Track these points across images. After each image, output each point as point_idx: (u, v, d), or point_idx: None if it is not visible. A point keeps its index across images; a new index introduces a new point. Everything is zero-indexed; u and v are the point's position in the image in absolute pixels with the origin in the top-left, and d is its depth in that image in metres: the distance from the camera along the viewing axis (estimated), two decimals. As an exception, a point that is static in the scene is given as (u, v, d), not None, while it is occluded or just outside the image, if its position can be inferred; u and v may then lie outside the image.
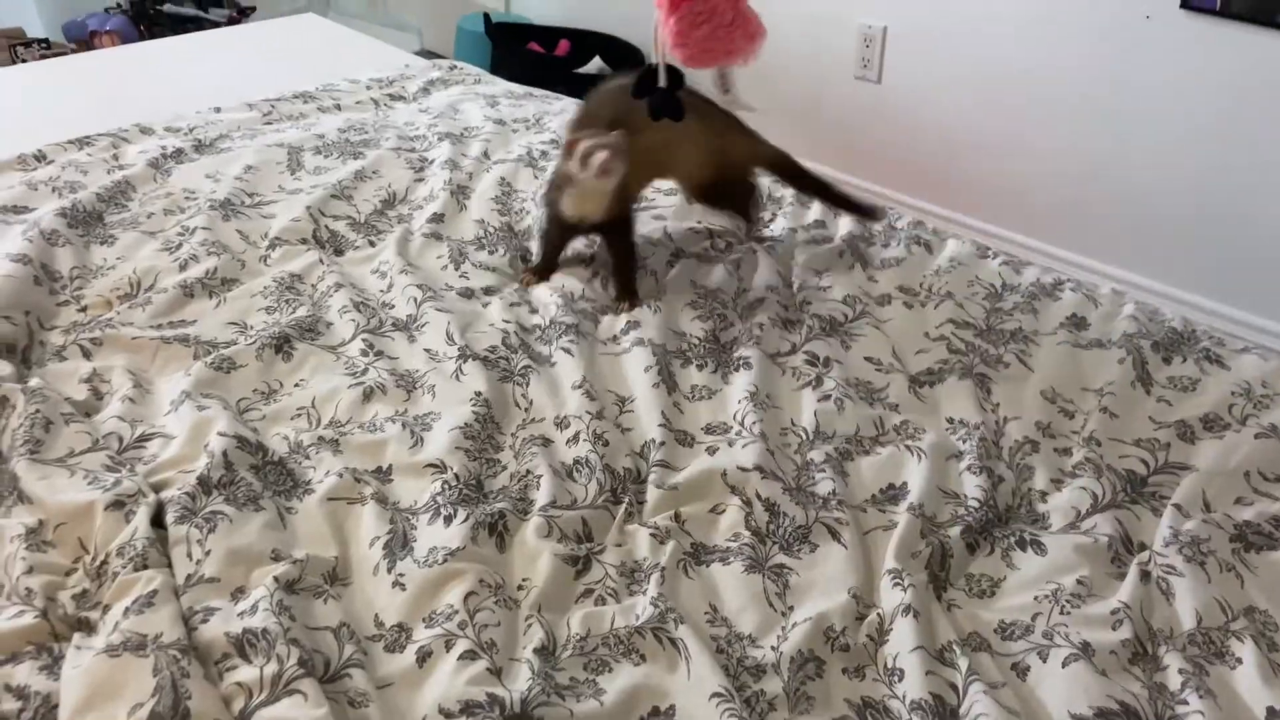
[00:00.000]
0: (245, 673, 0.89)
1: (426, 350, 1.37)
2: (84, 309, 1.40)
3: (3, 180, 1.69)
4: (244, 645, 0.91)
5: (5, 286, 1.35)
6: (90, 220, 1.57)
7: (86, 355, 1.32)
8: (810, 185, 1.70)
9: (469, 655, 0.95)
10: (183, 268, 1.49)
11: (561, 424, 1.25)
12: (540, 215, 1.62)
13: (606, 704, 0.92)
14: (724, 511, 1.14)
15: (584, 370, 1.33)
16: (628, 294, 1.49)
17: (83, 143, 1.83)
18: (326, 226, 1.64)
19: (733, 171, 1.61)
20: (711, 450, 1.24)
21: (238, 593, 0.98)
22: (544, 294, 1.50)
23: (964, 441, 1.25)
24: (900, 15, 2.94)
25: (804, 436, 1.27)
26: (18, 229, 1.51)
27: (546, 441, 1.23)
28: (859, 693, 0.96)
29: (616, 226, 1.50)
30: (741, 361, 1.38)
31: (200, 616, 0.94)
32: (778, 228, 1.72)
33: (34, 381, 1.21)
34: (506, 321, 1.43)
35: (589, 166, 1.36)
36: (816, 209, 1.78)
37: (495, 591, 1.02)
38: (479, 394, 1.26)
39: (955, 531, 1.12)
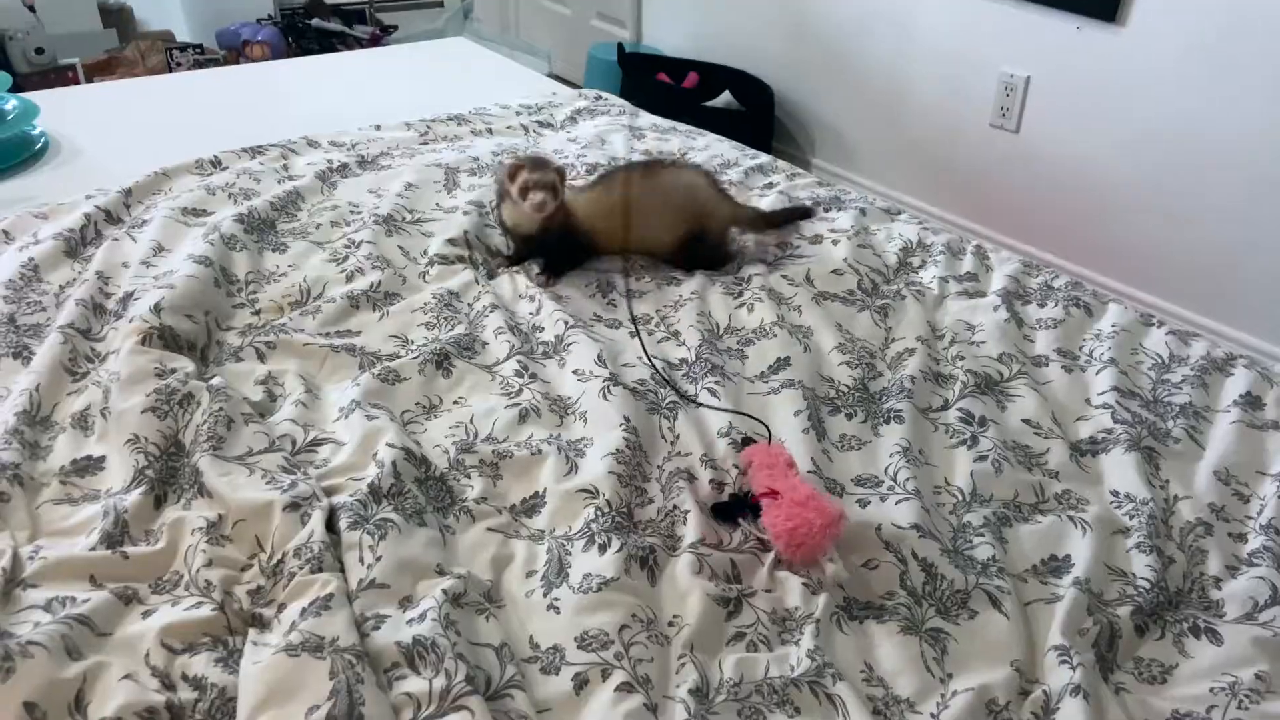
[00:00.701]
0: (414, 684, 0.91)
1: (574, 372, 1.38)
2: (258, 312, 1.46)
3: (181, 183, 1.78)
4: (413, 656, 0.93)
5: (189, 287, 1.42)
6: (264, 227, 1.64)
7: (261, 358, 1.37)
8: (777, 222, 1.81)
9: (625, 687, 0.95)
10: (349, 279, 1.54)
11: (707, 463, 1.25)
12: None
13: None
14: (877, 567, 1.12)
15: (729, 416, 1.32)
16: (552, 273, 1.63)
17: (254, 151, 1.92)
18: (480, 247, 1.68)
19: (710, 236, 1.69)
20: (863, 503, 1.22)
21: (405, 601, 1.00)
22: (689, 329, 1.51)
23: (1131, 517, 1.20)
24: (1045, 65, 2.88)
25: (960, 497, 1.24)
26: (198, 230, 1.58)
27: (691, 477, 1.23)
28: (1026, 771, 0.93)
29: (550, 237, 1.62)
30: (892, 414, 1.36)
31: (372, 623, 0.96)
32: (927, 276, 1.70)
33: (216, 380, 1.26)
34: (655, 356, 1.44)
35: (527, 200, 1.53)
36: (969, 260, 1.75)
37: (648, 626, 1.02)
38: (628, 419, 1.27)
39: (1124, 611, 1.08)
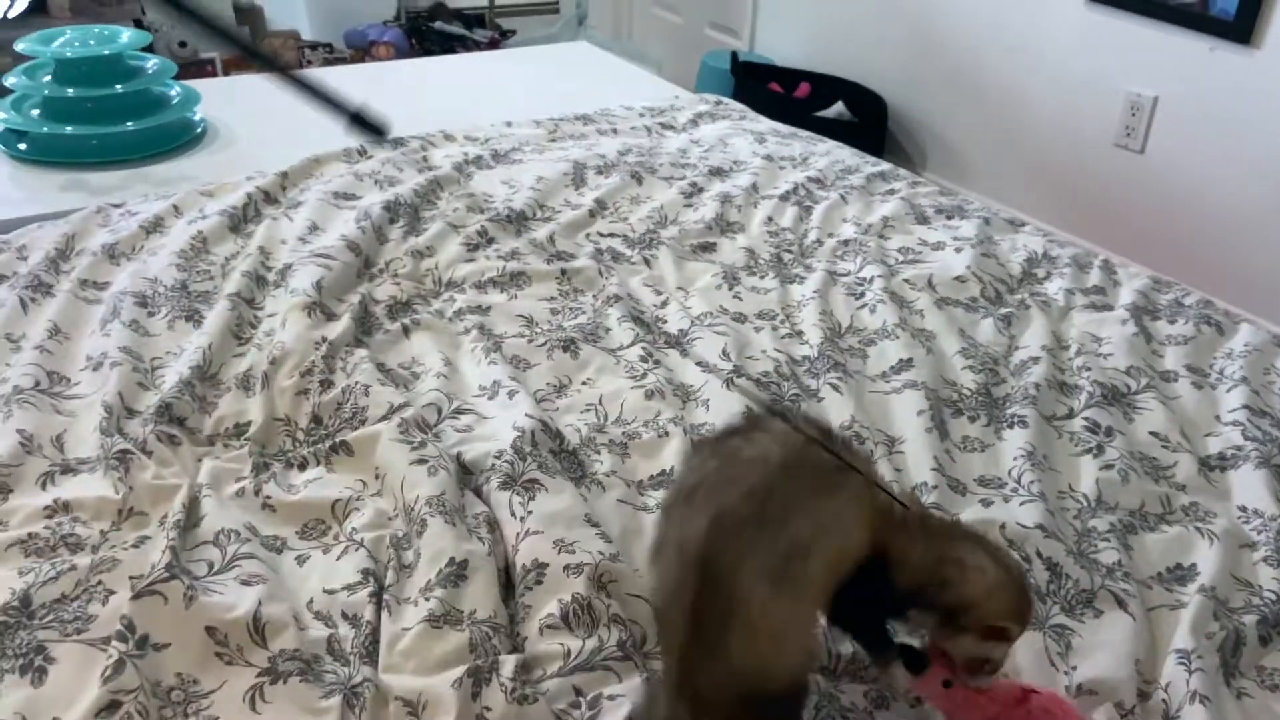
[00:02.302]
0: (567, 639, 0.97)
1: (699, 364, 1.43)
2: (401, 290, 1.54)
3: (331, 169, 1.89)
4: (569, 614, 0.99)
5: (342, 272, 1.52)
6: (408, 213, 1.73)
7: (406, 333, 1.46)
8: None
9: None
10: (480, 265, 1.62)
11: (832, 456, 1.28)
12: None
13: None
14: (1000, 564, 1.13)
15: (853, 410, 1.35)
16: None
17: (396, 143, 2.02)
18: (605, 241, 1.75)
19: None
20: (986, 503, 1.23)
21: (559, 544, 1.05)
22: (811, 327, 1.54)
23: (1259, 533, 1.19)
24: (1173, 86, 2.83)
25: (1084, 503, 1.24)
26: (349, 214, 1.68)
27: None
28: (1151, 768, 0.94)
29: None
30: (1016, 419, 1.37)
31: (534, 575, 1.03)
32: (1053, 288, 1.69)
33: (362, 353, 1.35)
34: (778, 350, 1.48)
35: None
36: (1095, 274, 1.74)
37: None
38: (750, 409, 1.31)
39: (1250, 620, 1.07)
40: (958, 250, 1.78)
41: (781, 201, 1.93)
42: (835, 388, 1.40)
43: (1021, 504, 1.21)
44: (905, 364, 1.46)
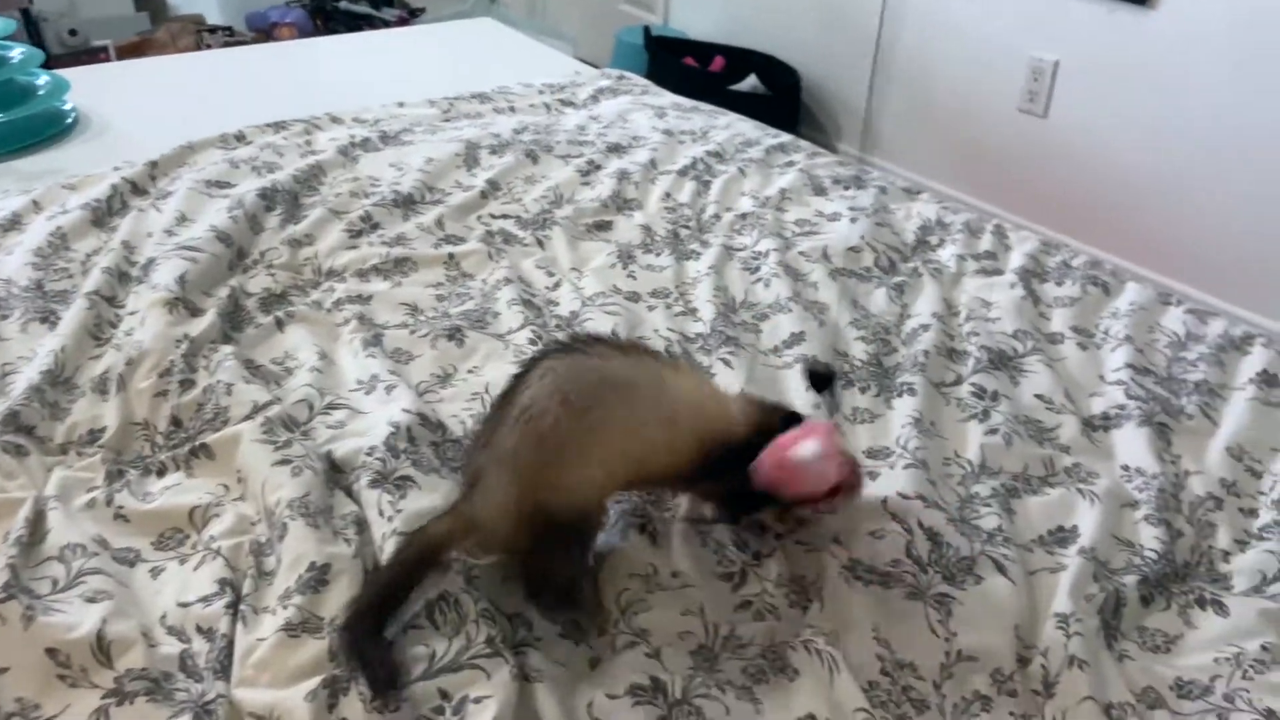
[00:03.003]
0: (432, 641, 0.93)
1: (592, 347, 1.39)
2: (276, 281, 1.48)
3: (206, 157, 1.81)
4: (434, 610, 0.95)
5: (211, 265, 1.45)
6: (286, 200, 1.66)
7: (280, 326, 1.40)
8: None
9: (630, 645, 0.97)
10: (364, 252, 1.56)
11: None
12: None
13: (763, 712, 0.92)
14: (884, 537, 1.12)
15: (743, 382, 1.33)
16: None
17: (278, 126, 1.94)
18: (497, 223, 1.70)
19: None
20: (873, 475, 1.22)
21: None
22: (705, 304, 1.51)
23: (1141, 491, 1.20)
24: (1074, 49, 2.85)
25: (968, 469, 1.24)
26: (222, 203, 1.61)
27: None
28: (1026, 736, 0.93)
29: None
30: (905, 387, 1.36)
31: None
32: (945, 255, 1.69)
33: (228, 349, 1.29)
34: (670, 330, 1.45)
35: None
36: (987, 239, 1.74)
37: (646, 581, 1.04)
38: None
39: (1130, 580, 1.08)
40: (853, 220, 1.76)
41: (680, 177, 1.90)
42: (727, 362, 1.38)
43: (905, 468, 1.20)
44: (797, 337, 1.44)
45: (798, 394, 1.33)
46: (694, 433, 1.02)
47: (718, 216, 1.79)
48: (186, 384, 1.23)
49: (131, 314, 1.36)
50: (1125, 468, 1.25)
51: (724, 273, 1.61)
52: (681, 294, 1.56)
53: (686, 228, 1.75)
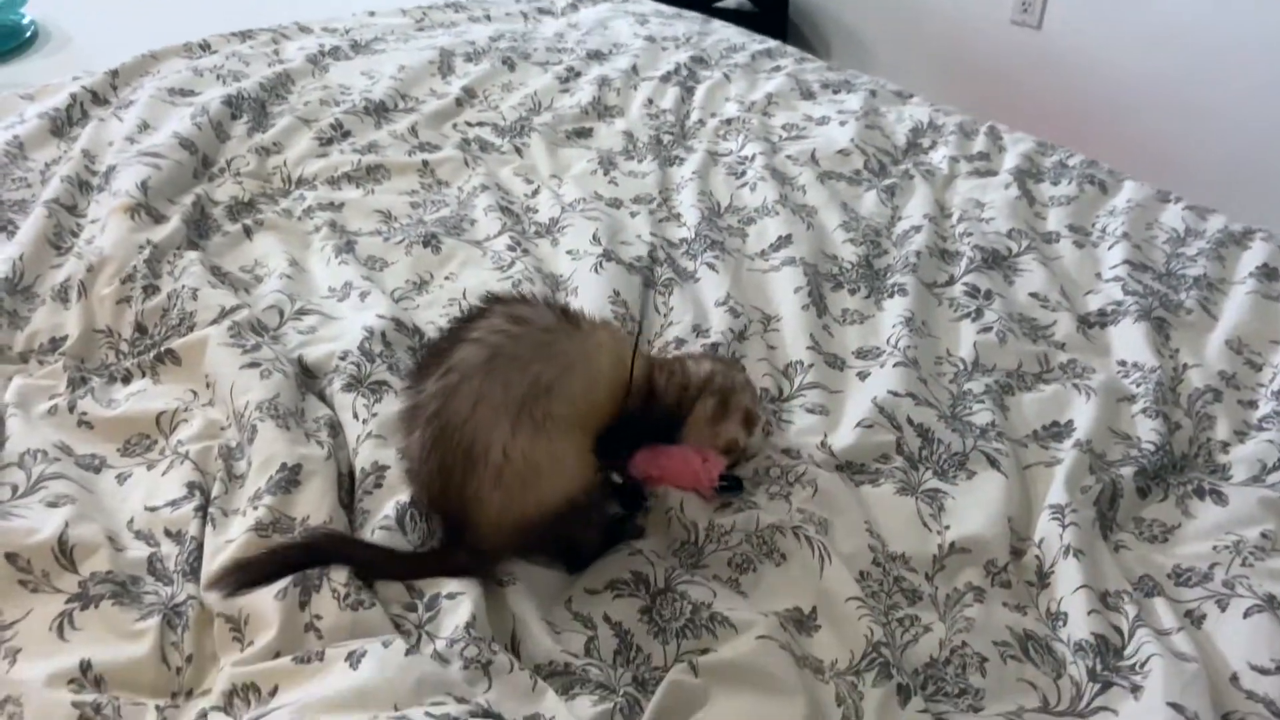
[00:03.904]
0: (398, 540, 0.90)
1: (569, 252, 1.35)
2: (244, 189, 1.42)
3: (169, 66, 1.73)
4: (404, 517, 0.92)
5: (174, 171, 1.39)
6: (253, 108, 1.60)
7: (248, 234, 1.34)
8: None
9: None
10: (334, 160, 1.51)
11: (701, 333, 1.22)
12: None
13: (750, 597, 0.90)
14: (875, 435, 1.09)
15: (728, 287, 1.29)
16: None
17: (244, 35, 1.87)
18: (473, 131, 1.64)
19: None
20: (863, 375, 1.19)
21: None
22: (690, 209, 1.46)
23: (1138, 385, 1.17)
24: (1072, -45, 2.76)
25: (961, 367, 1.21)
26: (185, 110, 1.54)
27: (681, 342, 1.20)
28: (1021, 625, 0.91)
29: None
30: (896, 288, 1.32)
31: (373, 479, 0.95)
32: (937, 156, 1.64)
33: (193, 255, 1.23)
34: (653, 235, 1.41)
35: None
36: (981, 140, 1.69)
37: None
38: (617, 293, 1.25)
39: (1127, 471, 1.05)
40: (842, 124, 1.71)
41: (662, 83, 1.83)
42: (712, 267, 1.33)
43: (895, 365, 1.17)
44: (784, 240, 1.39)
45: (785, 298, 1.29)
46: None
47: (702, 122, 1.73)
48: (150, 290, 1.18)
49: (94, 223, 1.30)
50: (1122, 363, 1.22)
51: (708, 178, 1.56)
52: (665, 199, 1.51)
53: (670, 134, 1.69)
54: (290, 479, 0.93)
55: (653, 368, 1.01)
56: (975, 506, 1.01)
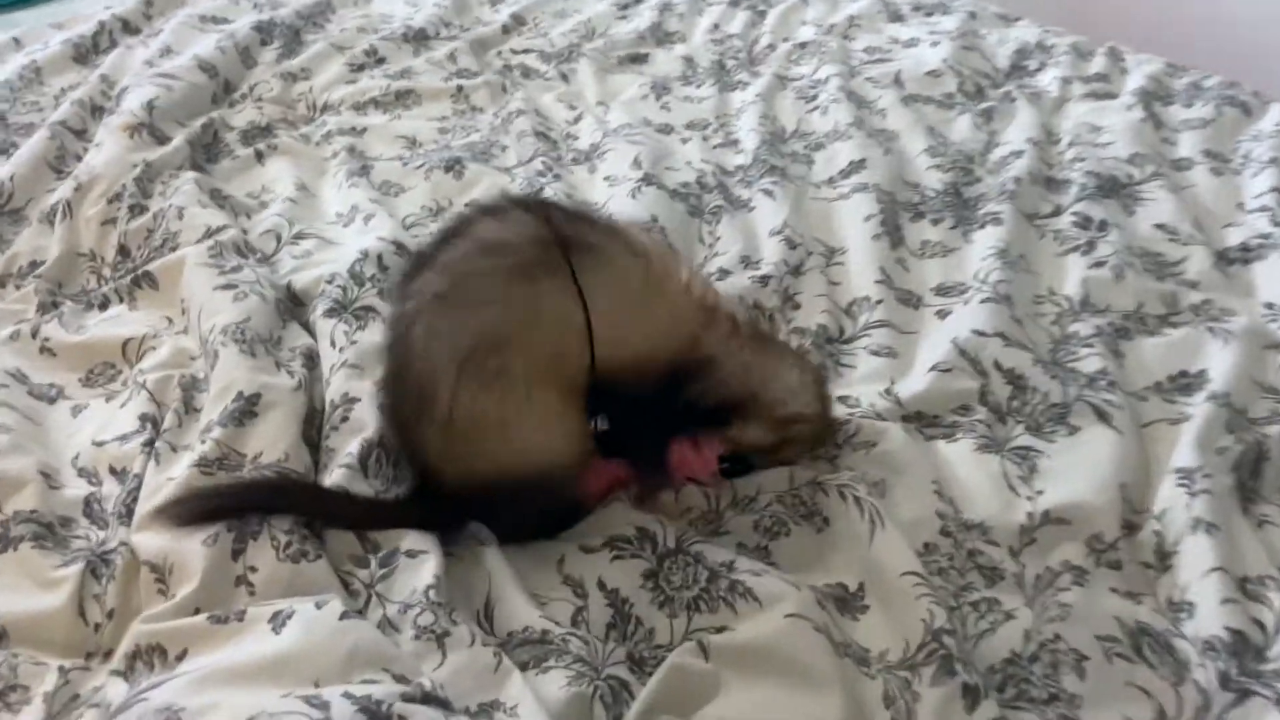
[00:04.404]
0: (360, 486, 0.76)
1: (606, 178, 1.19)
2: (263, 114, 1.31)
3: (209, -4, 1.64)
4: (367, 457, 0.78)
5: (188, 93, 1.28)
6: (285, 34, 1.49)
7: (259, 158, 1.23)
8: None
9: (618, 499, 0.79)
10: (363, 85, 1.38)
11: (750, 264, 1.05)
12: None
13: (781, 567, 0.73)
14: (953, 381, 0.90)
15: (786, 214, 1.11)
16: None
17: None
18: (517, 58, 1.50)
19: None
20: (942, 314, 1.00)
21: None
22: (749, 133, 1.29)
23: (1290, 330, 0.94)
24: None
25: (1066, 306, 1.00)
26: (214, 37, 1.44)
27: (726, 275, 1.04)
28: (1133, 616, 0.71)
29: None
30: (989, 218, 1.12)
31: (341, 413, 0.82)
32: (1046, 79, 1.41)
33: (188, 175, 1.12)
34: (705, 161, 1.23)
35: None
36: (1099, 61, 1.45)
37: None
38: (655, 219, 1.08)
39: (1275, 431, 0.83)
40: (934, 45, 1.50)
41: (731, 7, 1.65)
42: (769, 194, 1.16)
43: (981, 302, 0.97)
44: (856, 165, 1.20)
45: (853, 227, 1.11)
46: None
47: (772, 46, 1.54)
48: (137, 210, 1.07)
49: (97, 145, 1.20)
50: (1269, 305, 0.99)
51: (773, 101, 1.38)
52: (722, 125, 1.34)
53: (735, 59, 1.51)
54: (246, 410, 0.80)
55: (696, 339, 0.78)
56: (1078, 468, 0.81)
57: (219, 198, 1.13)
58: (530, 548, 0.76)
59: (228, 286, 0.93)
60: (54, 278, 1.03)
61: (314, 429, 0.83)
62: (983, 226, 1.11)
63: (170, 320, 0.96)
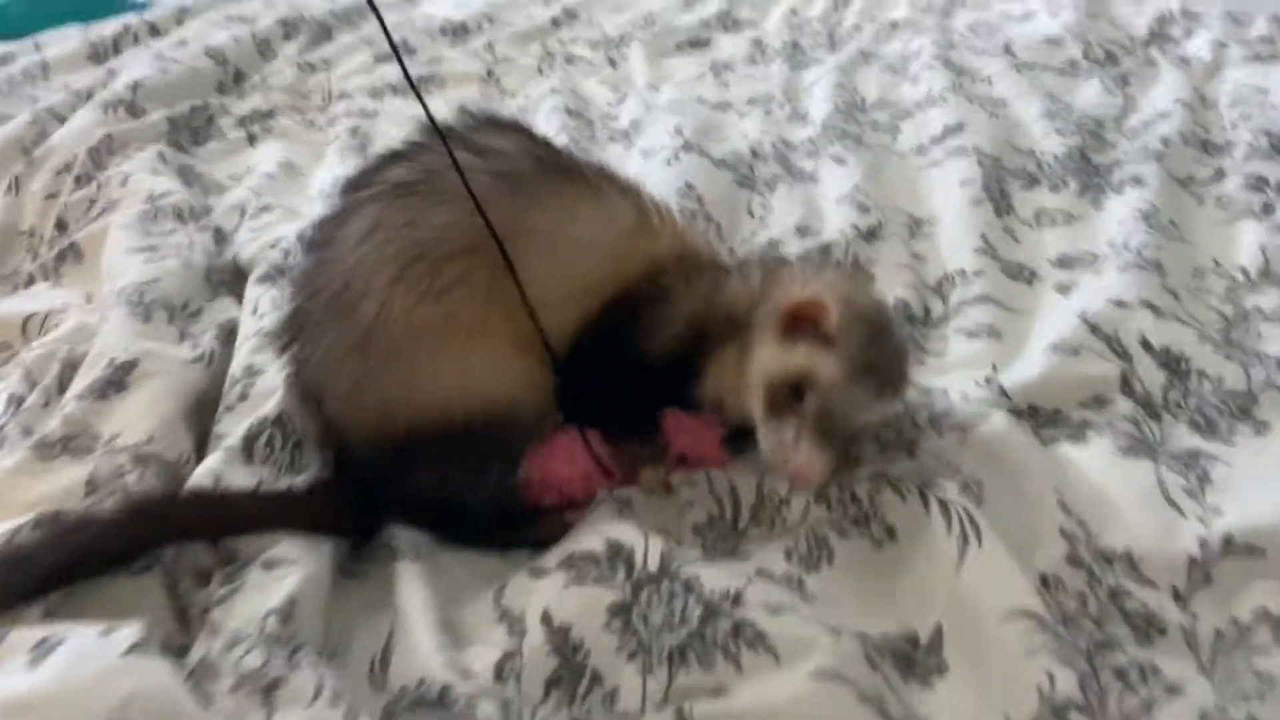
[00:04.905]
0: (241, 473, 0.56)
1: (643, 151, 0.99)
2: (268, 100, 1.17)
3: (251, 7, 1.53)
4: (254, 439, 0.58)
5: (184, 75, 1.15)
6: (311, 30, 1.36)
7: (251, 141, 1.08)
8: None
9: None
10: (383, 71, 1.24)
11: (808, 233, 0.83)
12: None
13: (818, 601, 0.48)
14: (1080, 365, 0.65)
15: (858, 179, 0.89)
16: None
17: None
18: (562, 47, 1.33)
19: None
20: (1064, 288, 0.75)
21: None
22: (820, 104, 1.07)
23: None
24: None
25: (1241, 278, 0.73)
26: (238, 29, 1.32)
27: (776, 245, 0.84)
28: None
29: None
30: (1128, 180, 0.87)
31: (241, 389, 0.62)
32: (1195, 44, 1.16)
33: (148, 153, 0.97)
34: (764, 133, 1.02)
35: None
36: (1261, 25, 1.19)
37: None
38: (690, 187, 0.87)
39: None
40: (1053, 14, 1.27)
41: (810, -8, 1.46)
42: (839, 160, 0.95)
43: (1122, 271, 0.71)
44: (953, 129, 0.98)
45: (947, 195, 0.87)
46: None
47: (858, 27, 1.33)
48: (84, 180, 0.92)
49: (67, 123, 1.07)
50: None
51: (853, 74, 1.17)
52: (790, 99, 1.13)
53: (812, 39, 1.31)
54: (114, 380, 0.62)
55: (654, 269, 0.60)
56: (1270, 479, 0.54)
57: (189, 174, 0.97)
58: (468, 567, 0.54)
59: (147, 249, 0.76)
60: (-15, 257, 0.88)
61: (211, 410, 0.64)
62: (1118, 191, 0.87)
63: (90, 296, 0.79)
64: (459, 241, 0.54)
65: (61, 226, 0.89)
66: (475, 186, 0.54)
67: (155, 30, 1.41)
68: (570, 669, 0.47)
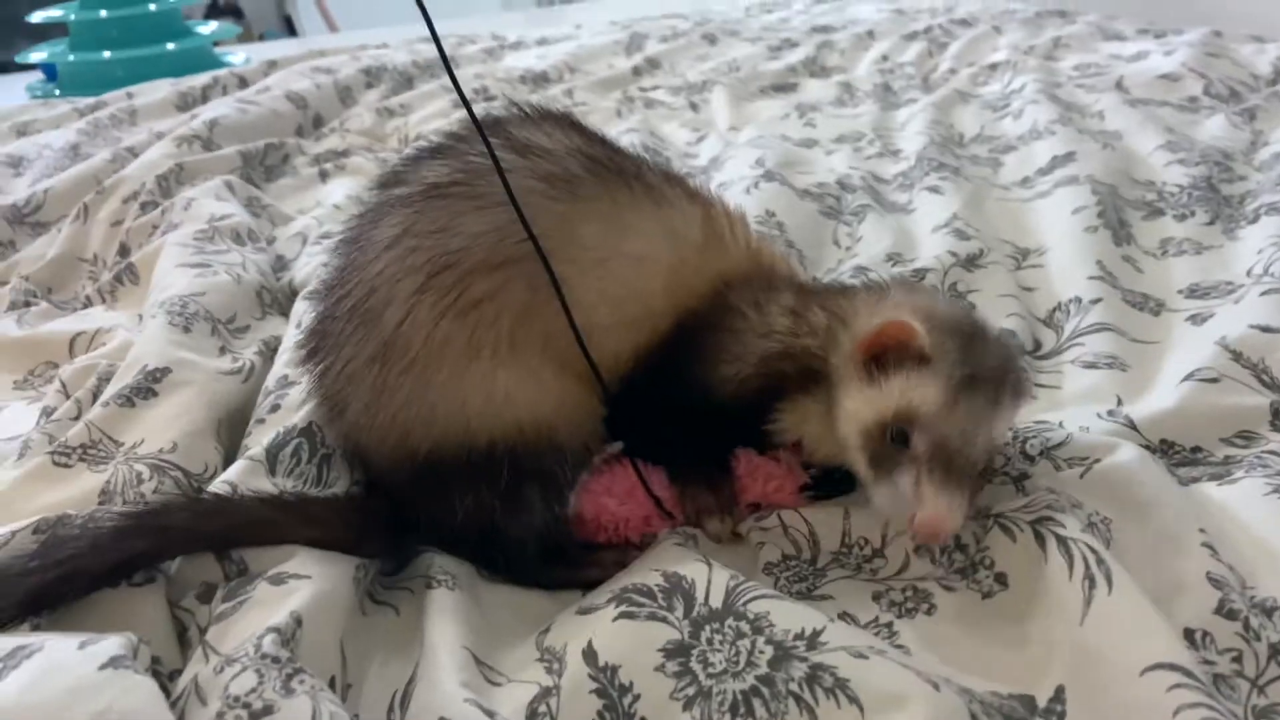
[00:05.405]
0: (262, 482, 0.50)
1: (721, 184, 0.94)
2: (345, 141, 1.16)
3: (336, 59, 1.55)
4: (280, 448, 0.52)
5: (263, 118, 1.15)
6: (394, 78, 1.36)
7: (323, 177, 1.07)
8: None
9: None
10: (461, 116, 1.21)
11: (900, 261, 0.76)
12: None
13: (914, 652, 0.40)
14: (1223, 395, 0.56)
15: (957, 208, 0.82)
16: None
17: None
18: (644, 94, 1.30)
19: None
20: (1197, 319, 0.66)
21: None
22: (914, 137, 1.01)
23: None
24: None
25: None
26: (322, 78, 1.33)
27: (863, 272, 0.76)
28: None
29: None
30: (1265, 208, 0.78)
31: (272, 400, 0.58)
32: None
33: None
34: (852, 168, 0.96)
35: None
36: (1401, 55, 1.09)
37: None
38: (770, 214, 0.81)
39: None
40: (1167, 53, 1.20)
41: (905, 41, 1.41)
42: (936, 190, 0.88)
43: (1263, 295, 0.63)
44: (1063, 160, 0.91)
45: (1057, 223, 0.80)
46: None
47: (953, 71, 1.28)
48: (149, 207, 0.91)
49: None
50: None
51: (949, 111, 1.12)
52: (880, 137, 1.07)
53: (905, 81, 1.25)
54: (144, 387, 0.58)
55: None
56: None
57: (256, 204, 0.95)
58: (511, 603, 0.48)
59: (199, 265, 0.73)
60: (43, 281, 0.87)
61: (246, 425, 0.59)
62: (1254, 221, 0.78)
63: (141, 317, 0.77)
64: (493, 253, 0.48)
65: (124, 252, 0.88)
66: (517, 190, 0.48)
67: (244, 82, 1.43)
68: (615, 713, 0.40)
